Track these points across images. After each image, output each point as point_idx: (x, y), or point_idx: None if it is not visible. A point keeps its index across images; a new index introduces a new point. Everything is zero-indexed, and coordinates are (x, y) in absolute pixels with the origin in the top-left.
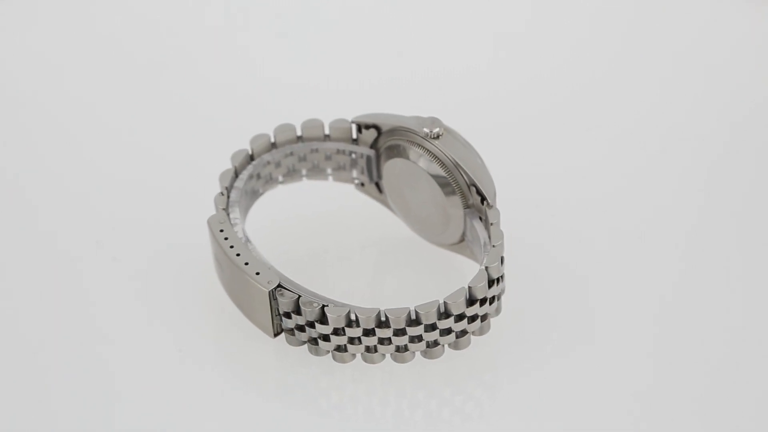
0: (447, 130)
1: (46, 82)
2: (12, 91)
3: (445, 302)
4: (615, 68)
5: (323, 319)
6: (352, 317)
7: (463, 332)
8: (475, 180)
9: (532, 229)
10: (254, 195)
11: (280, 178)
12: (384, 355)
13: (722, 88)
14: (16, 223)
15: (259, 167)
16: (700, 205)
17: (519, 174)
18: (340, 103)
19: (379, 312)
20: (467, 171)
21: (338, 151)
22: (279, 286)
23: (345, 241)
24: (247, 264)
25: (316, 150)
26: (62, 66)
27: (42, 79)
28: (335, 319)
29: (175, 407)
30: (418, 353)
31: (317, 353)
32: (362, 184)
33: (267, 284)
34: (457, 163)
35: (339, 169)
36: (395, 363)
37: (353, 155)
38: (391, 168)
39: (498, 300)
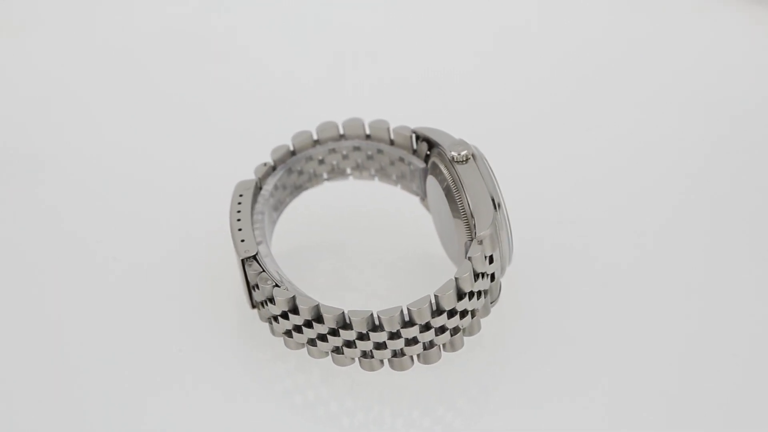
0: (475, 156)
1: (51, 83)
2: (20, 93)
3: (379, 316)
4: (616, 68)
5: (273, 300)
6: (298, 305)
7: (402, 351)
8: (472, 211)
9: (531, 229)
10: (315, 179)
11: (348, 170)
12: (327, 353)
13: (727, 88)
14: (18, 223)
15: (323, 153)
16: (701, 207)
17: (519, 174)
18: (340, 104)
19: (317, 306)
20: (469, 201)
21: (400, 159)
22: (252, 258)
23: (385, 247)
24: (240, 230)
25: (382, 152)
26: (63, 63)
27: (46, 80)
28: (280, 301)
29: (175, 407)
30: (356, 361)
31: (273, 333)
32: (422, 198)
33: (243, 252)
34: (465, 192)
35: (402, 177)
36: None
37: (411, 166)
38: (430, 186)
39: (454, 333)
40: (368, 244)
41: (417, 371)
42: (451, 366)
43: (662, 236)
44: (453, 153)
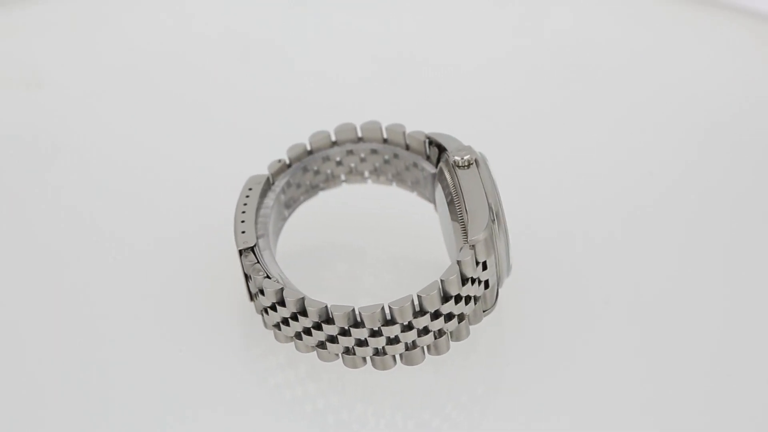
0: (478, 162)
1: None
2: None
3: (360, 312)
4: (620, 66)
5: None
6: (285, 297)
7: (384, 350)
8: (467, 216)
9: (531, 234)
10: (332, 179)
11: (366, 174)
12: (313, 348)
13: (722, 90)
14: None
15: (341, 154)
16: (705, 209)
17: (519, 175)
18: (354, 107)
19: (303, 299)
20: (466, 205)
21: (414, 164)
22: (250, 249)
23: (401, 253)
24: (242, 222)
25: (398, 156)
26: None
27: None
28: (269, 292)
29: (175, 407)
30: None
31: (265, 325)
32: (436, 205)
33: (242, 243)
34: (463, 196)
35: (416, 183)
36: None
37: (424, 172)
38: (437, 191)
39: (439, 336)
40: (384, 249)
41: (410, 373)
42: (442, 370)
43: (664, 240)
44: (456, 157)
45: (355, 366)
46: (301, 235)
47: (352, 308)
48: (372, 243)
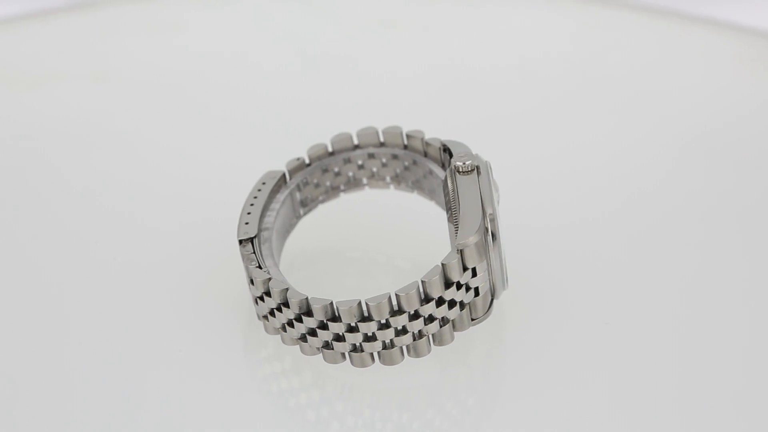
0: (479, 169)
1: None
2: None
3: (337, 306)
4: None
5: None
6: (270, 287)
7: (361, 347)
8: (459, 220)
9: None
10: (353, 182)
11: (388, 179)
12: (296, 341)
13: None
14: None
15: (363, 157)
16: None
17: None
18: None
19: (287, 290)
20: (461, 210)
21: (430, 172)
22: (249, 240)
23: (417, 260)
24: (249, 214)
25: (416, 163)
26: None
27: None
28: (258, 282)
29: (174, 408)
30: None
31: (258, 317)
32: None
33: (243, 234)
34: (459, 200)
35: (432, 191)
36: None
37: (437, 179)
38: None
39: (418, 337)
40: (405, 256)
41: (397, 375)
42: (432, 376)
43: (665, 248)
44: (458, 163)
45: (334, 361)
46: (321, 235)
47: (330, 302)
48: (393, 250)
